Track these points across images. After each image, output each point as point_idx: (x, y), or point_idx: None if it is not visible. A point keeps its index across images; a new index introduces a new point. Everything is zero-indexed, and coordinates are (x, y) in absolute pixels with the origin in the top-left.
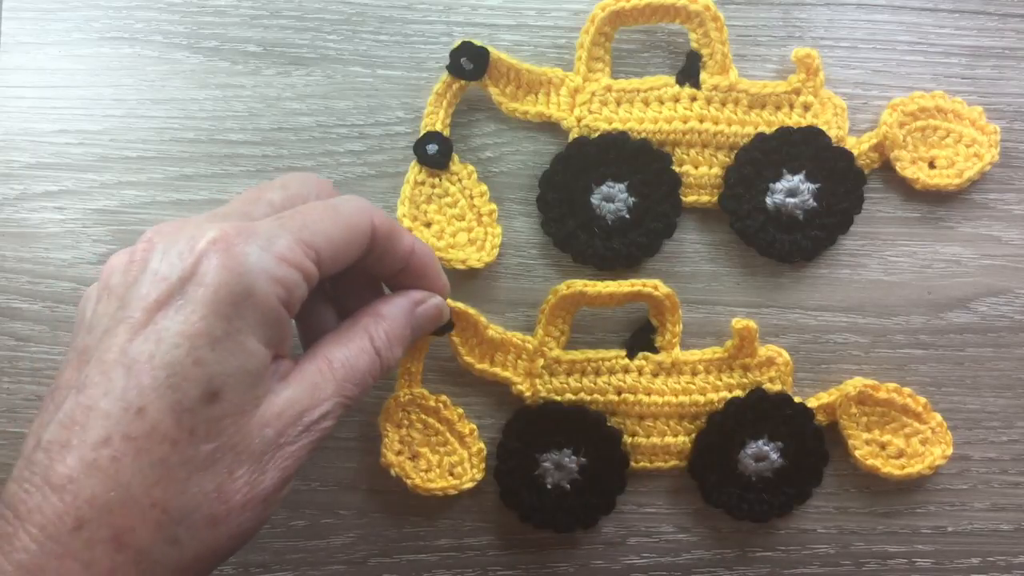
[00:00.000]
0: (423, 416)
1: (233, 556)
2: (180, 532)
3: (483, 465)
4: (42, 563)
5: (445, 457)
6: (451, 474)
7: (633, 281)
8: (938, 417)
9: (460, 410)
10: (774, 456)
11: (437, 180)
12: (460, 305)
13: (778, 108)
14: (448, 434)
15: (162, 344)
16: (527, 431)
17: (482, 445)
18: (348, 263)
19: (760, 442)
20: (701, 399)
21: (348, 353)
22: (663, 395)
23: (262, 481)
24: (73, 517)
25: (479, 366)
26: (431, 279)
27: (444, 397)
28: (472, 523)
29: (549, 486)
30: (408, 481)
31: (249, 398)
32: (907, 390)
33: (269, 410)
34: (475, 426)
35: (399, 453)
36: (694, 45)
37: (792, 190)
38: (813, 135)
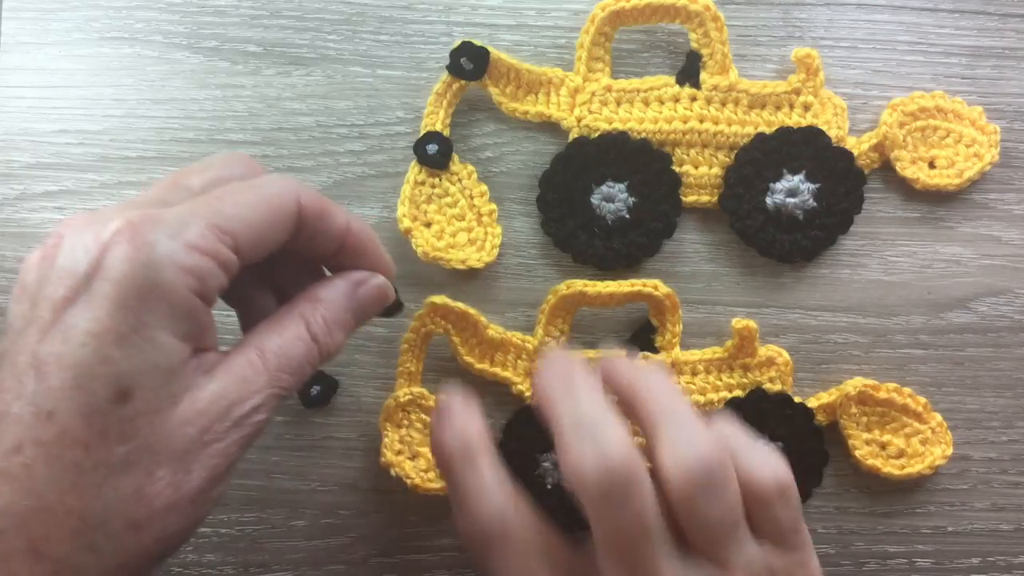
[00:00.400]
0: (423, 416)
1: (232, 556)
2: (98, 539)
3: None
4: None
5: None
6: None
7: (633, 281)
8: (938, 417)
9: None
10: None
11: (437, 180)
12: (460, 305)
13: (778, 108)
14: None
15: (69, 343)
16: (527, 431)
17: None
18: (273, 247)
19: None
20: (701, 399)
21: (282, 341)
22: None
23: (188, 481)
24: None
25: (479, 366)
26: (371, 258)
27: None
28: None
29: (549, 486)
30: (408, 481)
31: (164, 395)
32: (907, 390)
33: (191, 407)
34: None
35: (399, 453)
36: (694, 45)
37: (792, 190)
38: (813, 135)
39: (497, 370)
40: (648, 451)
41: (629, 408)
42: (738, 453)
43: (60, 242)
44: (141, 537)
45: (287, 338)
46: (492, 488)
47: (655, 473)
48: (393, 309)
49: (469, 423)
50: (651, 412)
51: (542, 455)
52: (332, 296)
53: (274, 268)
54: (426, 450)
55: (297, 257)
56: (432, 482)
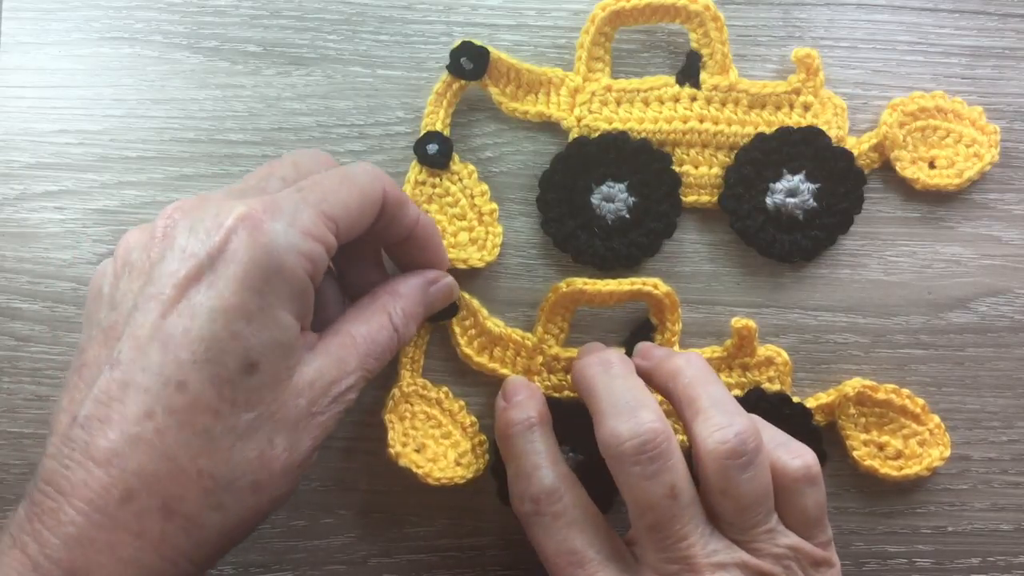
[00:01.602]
0: (425, 408)
1: (232, 556)
2: (226, 498)
3: (486, 456)
4: (91, 535)
5: (450, 449)
6: (458, 464)
7: (633, 280)
8: (936, 419)
9: (461, 402)
10: None
11: (438, 180)
12: (465, 295)
13: (778, 108)
14: (451, 426)
15: (197, 319)
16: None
17: (484, 437)
18: (361, 231)
19: None
20: None
21: (369, 329)
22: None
23: (298, 448)
24: (120, 489)
25: (477, 359)
26: (433, 251)
27: (445, 388)
28: (472, 523)
29: None
30: (419, 471)
31: (283, 368)
32: (906, 391)
33: (301, 380)
34: (475, 419)
35: (405, 445)
36: (694, 45)
37: (792, 190)
38: (813, 135)
39: (496, 366)
40: (685, 429)
41: (667, 390)
42: (768, 441)
43: (174, 224)
44: (260, 498)
45: (374, 326)
46: (548, 460)
47: (692, 450)
48: (450, 311)
49: (532, 403)
50: (690, 391)
51: None
52: (410, 291)
53: (340, 254)
54: (431, 442)
55: (364, 245)
56: (440, 471)
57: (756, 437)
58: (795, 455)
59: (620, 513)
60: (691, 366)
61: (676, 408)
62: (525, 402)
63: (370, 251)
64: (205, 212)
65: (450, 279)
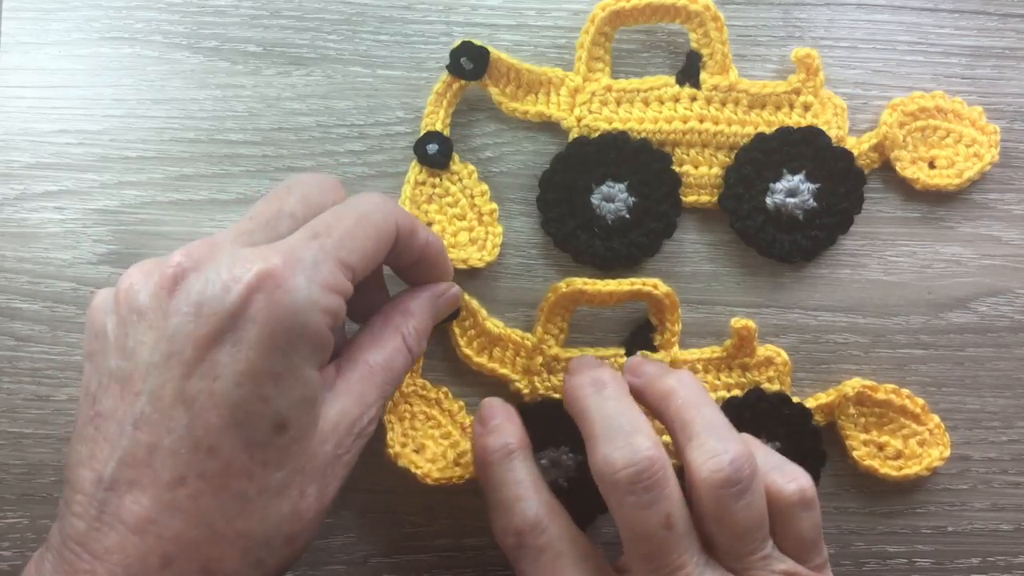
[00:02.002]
0: (425, 408)
1: None
2: (263, 554)
3: None
4: None
5: (449, 449)
6: (457, 464)
7: (632, 280)
8: (936, 419)
9: (461, 402)
10: None
11: (438, 180)
12: (464, 296)
13: (778, 108)
14: (450, 426)
15: (222, 382)
16: (525, 429)
17: None
18: (376, 267)
19: None
20: None
21: (386, 354)
22: None
23: (327, 493)
24: (159, 555)
25: (477, 359)
26: (440, 268)
27: (445, 389)
28: (472, 523)
29: (548, 483)
30: (417, 471)
31: (310, 421)
32: (906, 391)
33: (325, 426)
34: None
35: (404, 445)
36: (694, 45)
37: (792, 190)
38: (813, 135)
39: (495, 366)
40: (678, 453)
41: (659, 410)
42: (763, 465)
43: (185, 274)
44: (294, 548)
45: (389, 351)
46: (531, 491)
47: (685, 477)
48: (452, 315)
49: (510, 427)
50: (683, 415)
51: (539, 453)
52: (420, 308)
53: None
54: (430, 442)
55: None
56: (439, 472)
57: (751, 463)
58: (790, 479)
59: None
60: (684, 387)
61: (668, 430)
62: (503, 426)
63: (375, 273)
64: (220, 264)
65: (456, 289)
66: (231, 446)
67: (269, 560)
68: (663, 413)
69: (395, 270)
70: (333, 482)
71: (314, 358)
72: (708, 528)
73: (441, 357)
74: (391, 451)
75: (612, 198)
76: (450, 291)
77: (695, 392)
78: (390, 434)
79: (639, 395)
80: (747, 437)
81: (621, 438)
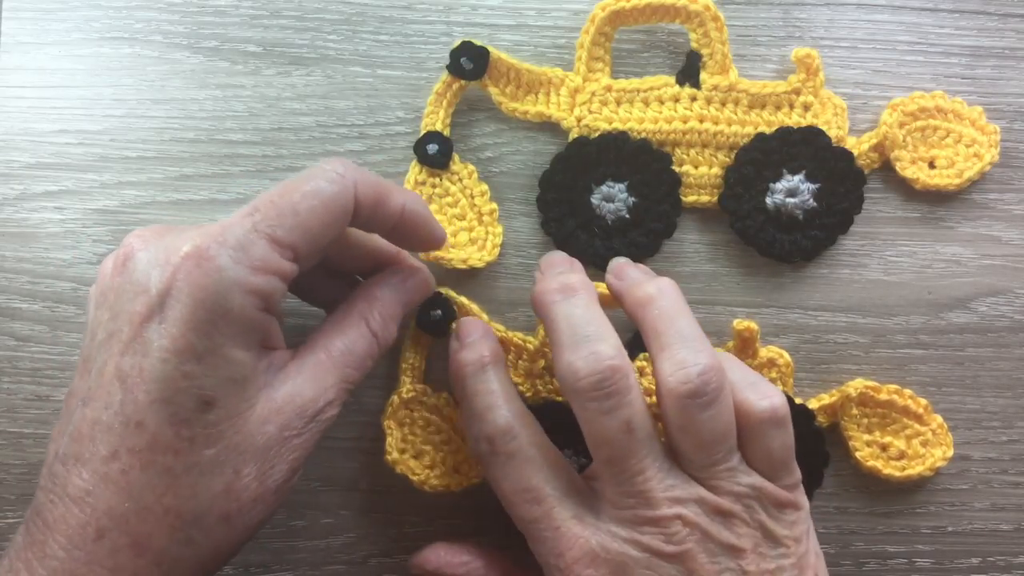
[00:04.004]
0: (425, 414)
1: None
2: (194, 533)
3: None
4: (71, 569)
5: (450, 455)
6: (456, 471)
7: None
8: (939, 419)
9: None
10: None
11: (438, 180)
12: (463, 299)
13: (778, 108)
14: (451, 432)
15: (150, 358)
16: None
17: None
18: (330, 242)
19: None
20: None
21: (347, 340)
22: None
23: (271, 475)
24: (94, 528)
25: None
26: (423, 233)
27: (446, 394)
28: (472, 523)
29: None
30: (414, 478)
31: (242, 400)
32: (908, 392)
33: (268, 406)
34: None
35: (403, 452)
36: (694, 45)
37: (792, 190)
38: (813, 135)
39: None
40: (651, 361)
41: (636, 317)
42: (740, 382)
43: (132, 254)
44: (231, 528)
45: (351, 337)
46: (501, 400)
47: (655, 384)
48: (441, 328)
49: (485, 341)
50: (658, 324)
51: None
52: (386, 293)
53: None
54: (430, 448)
55: (335, 257)
56: (437, 479)
57: (719, 376)
58: (762, 396)
59: None
60: (663, 296)
61: (643, 337)
62: (478, 342)
63: (352, 257)
64: (159, 245)
65: (424, 271)
66: (157, 422)
67: (201, 539)
68: (640, 321)
69: (380, 235)
70: (280, 464)
71: (242, 338)
72: (674, 437)
73: (444, 358)
74: (388, 457)
75: (612, 198)
76: (418, 275)
77: (673, 302)
78: (389, 440)
79: (618, 297)
80: (724, 354)
81: (585, 346)
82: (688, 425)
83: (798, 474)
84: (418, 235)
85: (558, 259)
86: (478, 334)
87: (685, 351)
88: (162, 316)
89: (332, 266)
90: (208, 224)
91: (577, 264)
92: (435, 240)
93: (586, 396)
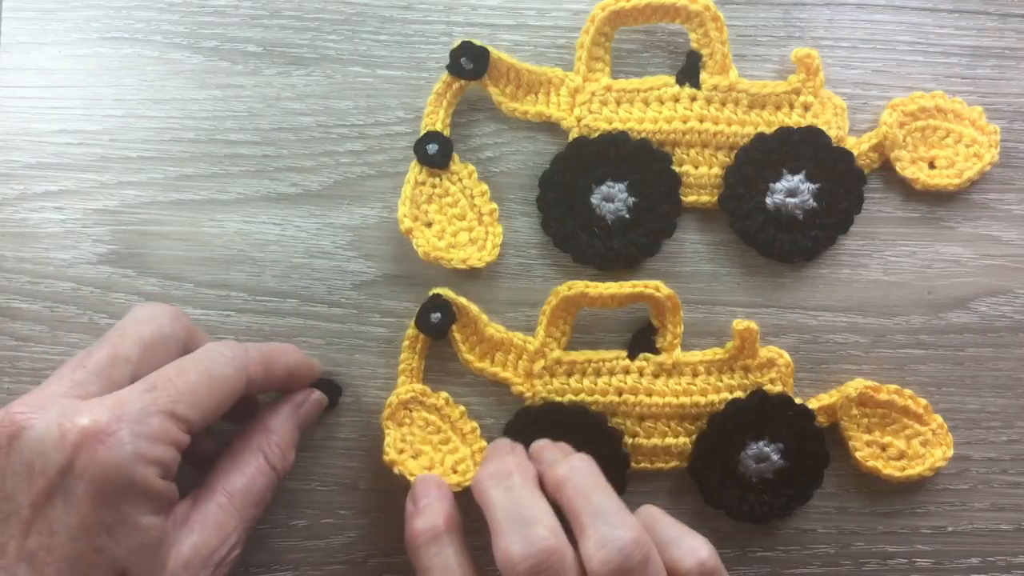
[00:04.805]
0: (424, 414)
1: None
2: None
3: None
4: None
5: (448, 455)
6: (454, 471)
7: (635, 283)
8: (939, 419)
9: (462, 407)
10: (775, 457)
11: (437, 180)
12: (462, 300)
13: (778, 108)
14: (450, 432)
15: (57, 537)
16: (527, 431)
17: (484, 443)
18: (219, 415)
19: (761, 443)
20: (702, 400)
21: (246, 480)
22: (664, 396)
23: None
24: None
25: (478, 364)
26: (305, 379)
27: (445, 394)
28: (472, 523)
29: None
30: (411, 478)
31: (154, 565)
32: (908, 392)
33: (176, 562)
34: (476, 424)
35: (401, 452)
36: (694, 45)
37: (792, 190)
38: (813, 135)
39: (497, 370)
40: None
41: (557, 500)
42: (663, 540)
43: (19, 432)
44: None
45: (249, 475)
46: (456, 571)
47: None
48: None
49: (440, 505)
50: (574, 504)
51: None
52: (280, 423)
53: None
54: (428, 448)
55: None
56: None
57: (642, 547)
58: (687, 552)
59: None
60: (575, 473)
61: (568, 520)
62: (432, 506)
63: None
64: (49, 421)
65: (317, 395)
66: None
67: None
68: (560, 502)
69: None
70: None
71: (148, 506)
72: None
73: (443, 358)
74: (387, 457)
75: (612, 198)
76: (310, 399)
77: (585, 478)
78: (387, 439)
79: (541, 482)
80: (646, 510)
81: (519, 530)
82: None
83: None
84: (301, 382)
85: (501, 445)
86: (433, 495)
87: (604, 527)
88: (66, 495)
89: None
90: (100, 396)
91: (519, 448)
92: (311, 379)
93: None
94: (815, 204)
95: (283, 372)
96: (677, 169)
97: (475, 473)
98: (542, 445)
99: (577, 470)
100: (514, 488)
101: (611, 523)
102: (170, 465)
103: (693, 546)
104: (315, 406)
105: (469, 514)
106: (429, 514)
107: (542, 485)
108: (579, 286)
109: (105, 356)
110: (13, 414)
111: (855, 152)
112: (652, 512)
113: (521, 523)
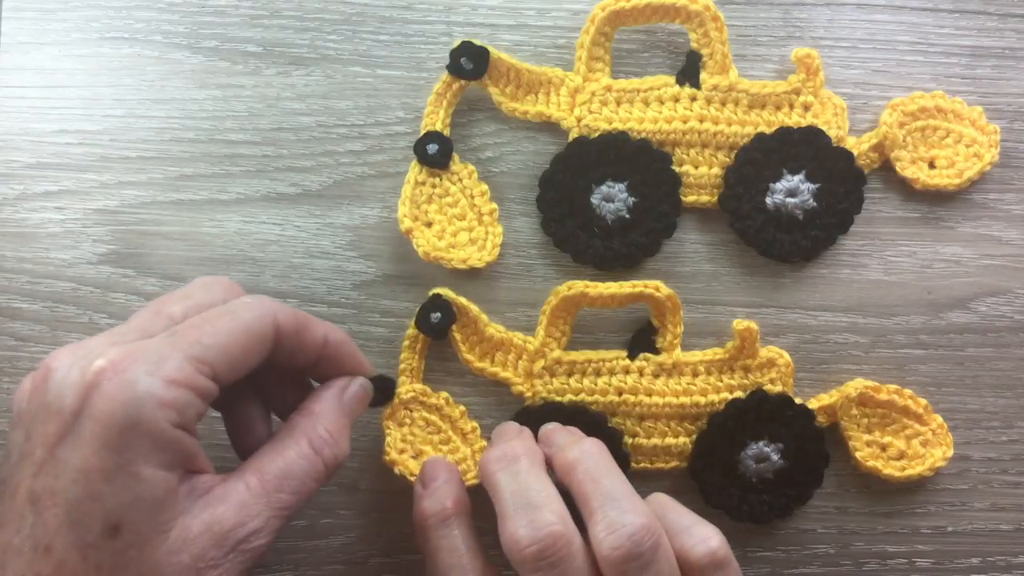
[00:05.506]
0: (424, 414)
1: None
2: None
3: None
4: None
5: (448, 455)
6: None
7: (635, 283)
8: (939, 419)
9: (462, 407)
10: (775, 457)
11: (438, 180)
12: (462, 300)
13: (778, 108)
14: (450, 432)
15: (61, 479)
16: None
17: (484, 443)
18: (251, 368)
19: (761, 443)
20: (702, 400)
21: (283, 462)
22: (664, 396)
23: None
24: None
25: (478, 364)
26: (349, 364)
27: (445, 394)
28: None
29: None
30: (413, 479)
31: (152, 527)
32: (908, 392)
33: (182, 534)
34: (476, 424)
35: (402, 452)
36: (694, 45)
37: (792, 190)
38: (813, 135)
39: (497, 370)
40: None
41: (567, 484)
42: (673, 528)
43: (48, 375)
44: None
45: (289, 458)
46: (467, 559)
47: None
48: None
49: (449, 487)
50: (584, 488)
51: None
52: (326, 408)
53: (258, 377)
54: (429, 448)
55: (279, 368)
56: None
57: (653, 534)
58: (698, 540)
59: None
60: (586, 457)
61: (576, 503)
62: (442, 488)
63: (288, 373)
64: (75, 361)
65: (360, 380)
66: (64, 547)
67: None
68: (570, 486)
69: (303, 372)
70: None
71: (155, 456)
72: None
73: (443, 357)
74: (387, 458)
75: (612, 198)
76: (353, 384)
77: (597, 463)
78: (387, 439)
79: (550, 465)
80: (656, 497)
81: (526, 514)
82: None
83: None
84: (344, 366)
85: (508, 428)
86: (443, 478)
87: (614, 512)
88: (75, 436)
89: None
90: (131, 337)
91: (526, 432)
92: (361, 370)
93: (531, 567)
94: (815, 204)
95: (319, 338)
96: (677, 169)
97: (481, 456)
98: (552, 429)
99: (588, 454)
100: (521, 472)
101: (621, 508)
102: (186, 411)
103: (704, 535)
104: (360, 391)
105: (475, 499)
106: (438, 496)
107: (551, 469)
108: (579, 286)
109: (149, 313)
110: (48, 360)
111: (855, 152)
112: (663, 500)
113: (528, 507)
